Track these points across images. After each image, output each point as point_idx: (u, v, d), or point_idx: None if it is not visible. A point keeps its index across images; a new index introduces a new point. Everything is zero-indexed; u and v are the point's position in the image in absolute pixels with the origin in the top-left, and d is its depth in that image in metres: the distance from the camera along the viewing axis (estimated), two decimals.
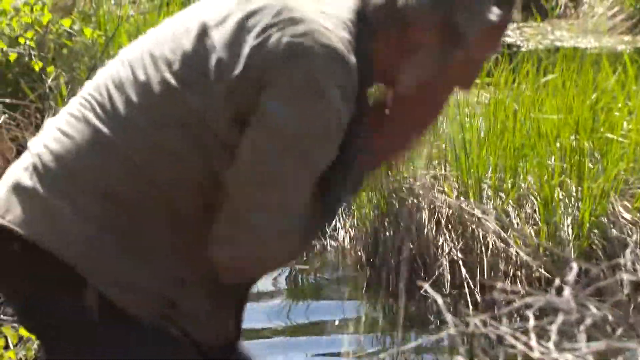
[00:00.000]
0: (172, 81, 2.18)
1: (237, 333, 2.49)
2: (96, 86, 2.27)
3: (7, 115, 4.81)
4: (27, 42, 3.72)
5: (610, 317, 2.08)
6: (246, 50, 2.15)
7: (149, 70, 2.22)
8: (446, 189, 4.95)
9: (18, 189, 2.23)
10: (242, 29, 2.17)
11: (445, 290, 4.58)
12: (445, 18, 2.19)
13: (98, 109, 2.22)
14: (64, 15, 5.19)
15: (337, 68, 2.15)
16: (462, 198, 4.83)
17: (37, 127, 4.81)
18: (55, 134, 2.25)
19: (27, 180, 2.22)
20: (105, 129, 2.19)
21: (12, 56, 3.63)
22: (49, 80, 4.69)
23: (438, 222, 4.85)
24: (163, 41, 2.24)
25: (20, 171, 2.25)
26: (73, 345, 2.26)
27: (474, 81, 2.36)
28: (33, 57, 3.82)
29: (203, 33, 2.20)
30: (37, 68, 3.78)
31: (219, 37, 2.18)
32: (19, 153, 4.65)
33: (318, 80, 2.13)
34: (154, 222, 2.22)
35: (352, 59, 2.16)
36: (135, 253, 2.22)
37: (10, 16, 3.58)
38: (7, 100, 5.02)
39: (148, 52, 2.24)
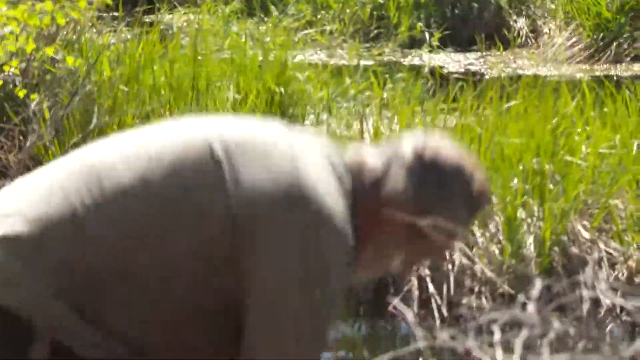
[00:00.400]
0: (170, 193, 2.21)
1: None
2: (85, 167, 2.26)
3: None
4: (12, 69, 3.70)
5: (572, 332, 2.07)
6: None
7: (148, 172, 2.22)
8: None
9: None
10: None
11: (414, 305, 4.57)
12: (416, 220, 2.25)
13: (83, 193, 2.21)
14: (48, 43, 5.16)
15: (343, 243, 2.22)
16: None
17: (20, 149, 4.79)
18: (30, 198, 2.24)
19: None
20: (82, 214, 2.19)
21: None
22: (33, 105, 4.67)
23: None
24: (170, 150, 2.24)
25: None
26: None
27: (425, 260, 2.46)
28: (17, 83, 3.79)
29: (213, 157, 2.21)
30: (21, 95, 3.75)
31: (229, 165, 2.20)
32: (1, 173, 4.63)
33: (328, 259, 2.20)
34: (108, 301, 2.22)
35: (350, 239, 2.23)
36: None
37: None
38: None
39: (149, 156, 2.24)
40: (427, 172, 2.29)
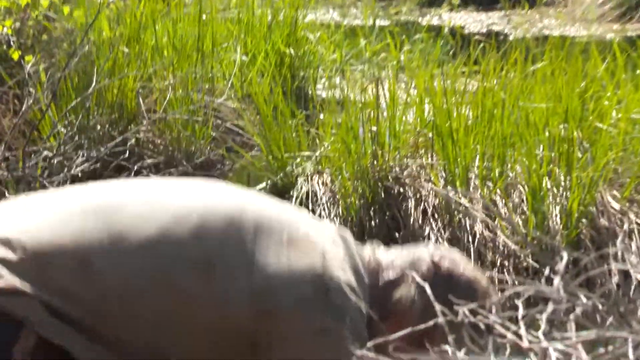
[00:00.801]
0: (198, 266, 2.29)
1: None
2: (103, 201, 2.36)
3: None
4: (5, 29, 3.70)
5: (600, 307, 2.08)
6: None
7: (171, 232, 2.30)
8: (432, 178, 4.96)
9: None
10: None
11: None
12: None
13: (97, 232, 2.30)
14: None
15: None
16: (449, 187, 4.84)
17: (16, 113, 4.80)
18: (42, 222, 2.33)
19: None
20: (95, 253, 2.28)
21: None
22: (28, 67, 4.68)
23: (424, 212, 4.86)
24: (200, 210, 2.33)
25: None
26: None
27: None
28: (12, 44, 3.79)
29: (240, 229, 2.32)
30: (15, 56, 3.76)
31: (257, 246, 2.30)
32: None
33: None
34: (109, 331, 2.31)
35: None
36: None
37: None
38: None
39: (179, 211, 2.33)
40: (439, 289, 2.35)
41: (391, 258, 2.51)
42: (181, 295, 2.28)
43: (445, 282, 2.44)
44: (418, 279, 2.38)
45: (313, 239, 2.38)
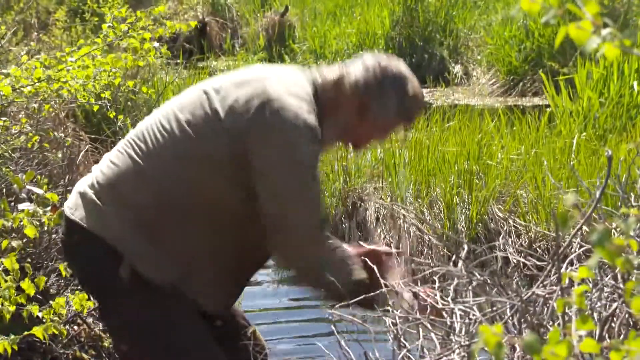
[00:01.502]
0: (190, 132, 2.18)
1: (233, 302, 2.44)
2: (136, 132, 2.28)
3: (91, 145, 4.77)
4: (106, 97, 3.69)
5: (488, 281, 2.06)
6: (238, 118, 2.14)
7: (174, 124, 2.21)
8: (383, 196, 4.94)
9: (82, 196, 2.22)
10: (235, 103, 2.16)
11: None
12: (366, 101, 2.25)
13: (136, 148, 2.22)
14: (131, 80, 5.14)
15: (309, 129, 2.16)
16: (393, 202, 4.82)
17: None
18: (107, 163, 2.27)
19: (88, 191, 2.21)
20: (139, 161, 2.19)
21: (95, 107, 3.59)
22: (119, 122, 4.66)
23: (377, 219, 4.84)
24: (184, 104, 2.24)
25: (84, 184, 2.26)
26: (113, 303, 2.23)
27: (369, 144, 2.39)
28: (109, 107, 3.77)
29: (209, 101, 2.19)
30: (111, 115, 3.73)
31: (219, 104, 2.17)
32: None
33: (296, 140, 2.14)
34: (173, 223, 2.19)
35: (313, 119, 2.18)
36: (157, 243, 2.18)
37: (94, 80, 3.55)
38: (93, 136, 4.99)
39: (173, 112, 2.24)
40: (376, 74, 2.28)
41: (341, 71, 2.30)
42: (190, 159, 2.16)
43: (377, 72, 2.28)
44: (358, 72, 2.26)
45: (257, 74, 2.22)
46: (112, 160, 2.25)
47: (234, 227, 2.21)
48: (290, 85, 2.20)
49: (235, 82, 2.22)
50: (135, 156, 2.20)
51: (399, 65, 2.33)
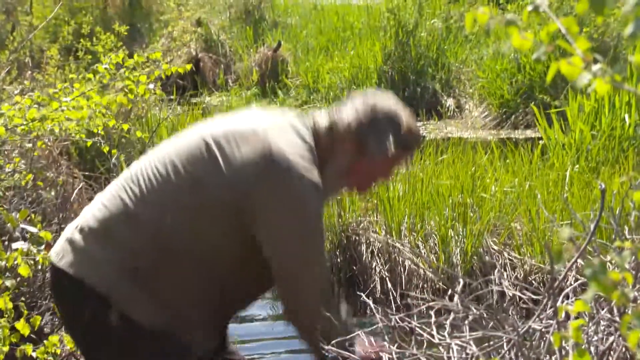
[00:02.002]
0: (189, 180, 2.16)
1: (223, 341, 2.43)
2: (129, 175, 2.26)
3: (85, 182, 4.77)
4: (99, 133, 3.71)
5: (485, 315, 2.06)
6: (241, 175, 2.13)
7: (170, 170, 2.19)
8: (377, 230, 4.94)
9: (70, 242, 2.20)
10: (235, 157, 2.15)
11: (377, 297, 4.54)
12: (362, 141, 2.25)
13: (129, 192, 2.21)
14: (125, 118, 5.16)
15: (312, 185, 2.17)
16: (388, 235, 4.82)
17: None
18: (99, 206, 2.24)
19: (77, 236, 2.19)
20: (133, 206, 2.17)
21: (89, 143, 3.61)
22: (113, 159, 4.67)
23: (372, 252, 4.83)
24: (182, 151, 2.22)
25: (72, 229, 2.23)
26: (102, 349, 2.21)
27: (372, 186, 2.39)
28: (103, 143, 3.78)
29: (209, 152, 2.18)
30: (105, 150, 3.73)
31: (220, 156, 2.17)
32: None
33: (302, 198, 2.15)
34: (167, 269, 2.17)
35: (317, 175, 2.19)
36: (148, 288, 2.17)
37: (87, 120, 3.57)
38: (87, 173, 4.99)
39: (170, 157, 2.22)
40: (367, 113, 2.28)
41: (333, 117, 2.31)
42: (184, 204, 2.16)
43: (370, 112, 2.28)
44: (350, 114, 2.27)
45: (258, 131, 2.19)
46: (105, 203, 2.23)
47: (229, 270, 2.21)
48: (292, 141, 2.20)
49: (236, 133, 2.20)
50: (128, 200, 2.18)
51: (388, 100, 2.33)
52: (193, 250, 2.17)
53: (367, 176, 2.35)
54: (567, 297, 2.08)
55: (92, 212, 2.24)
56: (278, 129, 2.22)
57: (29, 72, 5.84)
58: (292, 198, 2.14)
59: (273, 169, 2.13)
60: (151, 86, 3.49)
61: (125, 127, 3.88)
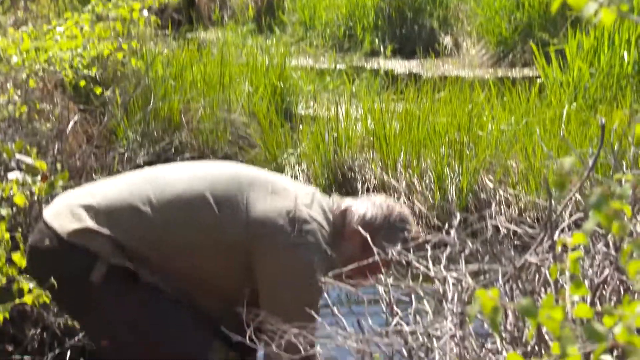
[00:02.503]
0: (214, 209, 2.26)
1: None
2: (155, 176, 2.35)
3: (80, 115, 4.74)
4: (92, 72, 3.67)
5: (480, 249, 2.06)
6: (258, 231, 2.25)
7: (196, 194, 2.27)
8: (373, 167, 4.93)
9: (71, 210, 2.28)
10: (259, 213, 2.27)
11: None
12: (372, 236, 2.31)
13: (150, 193, 2.28)
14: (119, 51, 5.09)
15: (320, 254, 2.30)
16: (384, 173, 4.82)
17: (101, 123, 4.75)
18: (112, 188, 2.33)
19: (82, 210, 2.25)
20: (149, 207, 2.27)
21: (82, 83, 3.58)
22: (109, 93, 4.64)
23: (367, 189, 4.84)
24: (215, 181, 2.30)
25: (77, 201, 2.29)
26: (89, 300, 2.27)
27: (365, 280, 2.43)
28: (96, 83, 3.75)
29: (240, 192, 2.28)
30: (98, 92, 3.71)
31: (250, 199, 2.27)
32: (87, 140, 4.59)
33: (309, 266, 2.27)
34: (153, 262, 2.26)
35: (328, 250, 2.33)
36: (136, 262, 2.26)
37: (81, 51, 3.52)
38: (82, 106, 4.96)
39: (200, 183, 2.30)
40: (381, 210, 2.42)
41: (349, 203, 2.46)
42: (200, 227, 2.25)
43: (383, 214, 2.42)
44: (368, 216, 2.40)
45: (290, 190, 2.35)
46: (121, 188, 2.31)
47: (215, 290, 2.32)
48: (316, 209, 2.34)
49: (267, 183, 2.33)
50: (146, 199, 2.27)
51: (403, 208, 2.50)
52: (188, 267, 2.28)
53: (363, 269, 2.38)
54: (562, 232, 2.09)
55: (102, 191, 2.31)
56: (306, 195, 2.37)
57: (22, 2, 5.75)
58: (304, 261, 2.26)
59: (296, 225, 2.26)
60: (145, 13, 3.43)
61: (120, 55, 3.84)
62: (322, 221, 2.34)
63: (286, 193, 2.32)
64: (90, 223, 2.23)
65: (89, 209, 2.25)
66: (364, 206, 2.43)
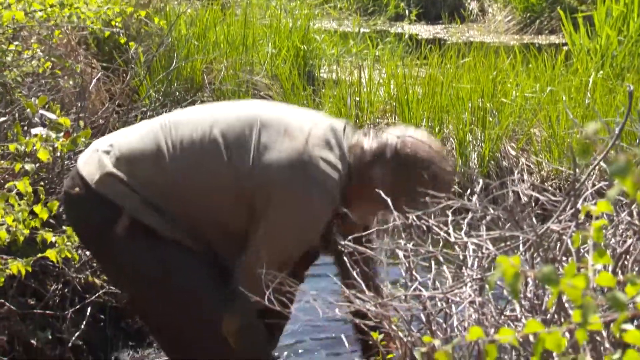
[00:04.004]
0: (224, 155, 2.25)
1: None
2: (173, 123, 2.33)
3: (103, 73, 4.74)
4: (117, 25, 3.65)
5: (501, 216, 2.05)
6: (264, 163, 2.22)
7: (208, 138, 2.26)
8: None
9: (97, 156, 2.31)
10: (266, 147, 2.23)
11: None
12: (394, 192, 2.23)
13: (168, 141, 2.28)
14: (143, 9, 5.06)
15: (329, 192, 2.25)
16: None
17: (123, 82, 4.74)
18: (135, 135, 2.33)
19: (104, 154, 2.26)
20: (165, 155, 2.27)
21: (106, 33, 3.55)
22: (131, 51, 4.62)
23: None
24: (229, 127, 2.27)
25: (103, 145, 2.31)
26: (112, 252, 2.30)
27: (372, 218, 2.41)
28: (120, 34, 3.72)
29: (252, 133, 2.25)
30: (122, 41, 3.68)
31: (264, 141, 2.24)
32: (110, 98, 4.60)
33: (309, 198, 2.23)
34: (169, 209, 2.26)
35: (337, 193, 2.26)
36: (155, 211, 2.26)
37: (107, 8, 3.50)
38: (104, 64, 4.95)
39: (213, 127, 2.28)
40: (402, 164, 2.32)
41: (370, 141, 2.36)
42: (211, 173, 2.25)
43: (406, 161, 2.32)
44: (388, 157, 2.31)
45: (304, 128, 2.28)
46: (143, 135, 2.31)
47: (222, 232, 2.31)
48: (330, 150, 2.27)
49: (281, 123, 2.28)
50: (164, 146, 2.27)
51: (432, 150, 2.34)
52: (203, 212, 2.28)
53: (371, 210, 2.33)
54: (585, 200, 2.06)
55: (127, 138, 2.32)
56: (324, 134, 2.29)
57: None
58: (305, 208, 2.23)
59: (301, 172, 2.21)
60: None
61: (143, 13, 3.82)
62: (337, 162, 2.27)
63: (299, 132, 2.26)
64: (112, 169, 2.25)
65: (112, 156, 2.27)
66: (384, 159, 2.33)
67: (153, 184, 2.24)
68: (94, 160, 2.28)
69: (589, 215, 1.77)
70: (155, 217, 2.24)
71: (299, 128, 2.27)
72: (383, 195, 2.18)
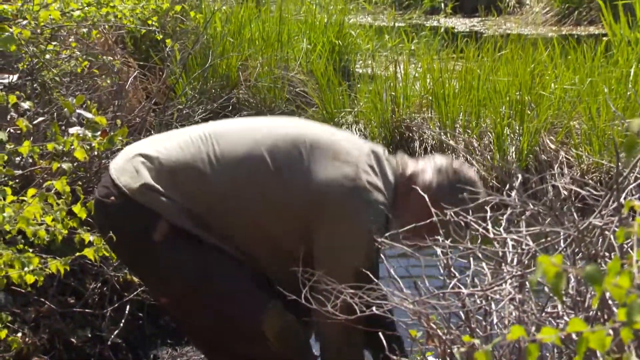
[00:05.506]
0: (272, 173, 2.24)
1: None
2: (216, 133, 2.31)
3: (139, 72, 4.77)
4: (153, 23, 3.66)
5: (541, 211, 2.01)
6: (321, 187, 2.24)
7: (257, 155, 2.26)
8: (431, 126, 4.87)
9: (135, 165, 2.28)
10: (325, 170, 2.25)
11: None
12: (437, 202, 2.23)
13: (211, 152, 2.27)
14: (179, 4, 5.08)
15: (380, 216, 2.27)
16: (442, 133, 4.75)
17: (159, 79, 4.77)
18: (174, 144, 2.30)
19: (143, 167, 2.25)
20: (209, 167, 2.25)
21: (142, 32, 3.58)
22: (168, 48, 4.65)
23: (425, 149, 4.79)
24: (277, 145, 2.27)
25: (140, 152, 2.27)
26: (149, 258, 2.29)
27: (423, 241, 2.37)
28: (157, 32, 3.74)
29: (301, 156, 2.26)
30: (159, 38, 3.70)
31: (312, 163, 2.25)
32: (146, 97, 4.62)
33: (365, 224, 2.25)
34: (212, 224, 2.25)
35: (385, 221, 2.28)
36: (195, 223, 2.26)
37: (142, 4, 3.52)
38: (141, 63, 4.99)
39: (261, 144, 2.27)
40: (446, 184, 2.37)
41: (415, 168, 2.42)
42: (260, 190, 2.24)
43: (452, 183, 2.37)
44: (431, 178, 2.37)
45: (351, 153, 2.31)
46: (182, 146, 2.29)
47: (273, 255, 2.31)
48: (378, 175, 2.31)
49: (329, 148, 2.29)
50: (206, 158, 2.25)
51: (470, 172, 2.43)
52: (247, 228, 2.28)
53: (420, 232, 2.33)
54: (628, 194, 2.02)
55: (165, 149, 2.29)
56: (371, 161, 2.32)
57: None
58: (357, 226, 2.24)
59: (354, 194, 2.24)
60: None
61: (178, 8, 3.83)
62: (383, 187, 2.30)
63: (348, 158, 2.29)
64: (151, 182, 2.24)
65: (151, 168, 2.25)
66: (430, 173, 2.38)
67: (196, 196, 2.24)
68: (130, 169, 2.25)
69: (632, 210, 1.72)
70: (195, 225, 2.24)
71: (346, 152, 2.31)
72: (427, 202, 2.20)
